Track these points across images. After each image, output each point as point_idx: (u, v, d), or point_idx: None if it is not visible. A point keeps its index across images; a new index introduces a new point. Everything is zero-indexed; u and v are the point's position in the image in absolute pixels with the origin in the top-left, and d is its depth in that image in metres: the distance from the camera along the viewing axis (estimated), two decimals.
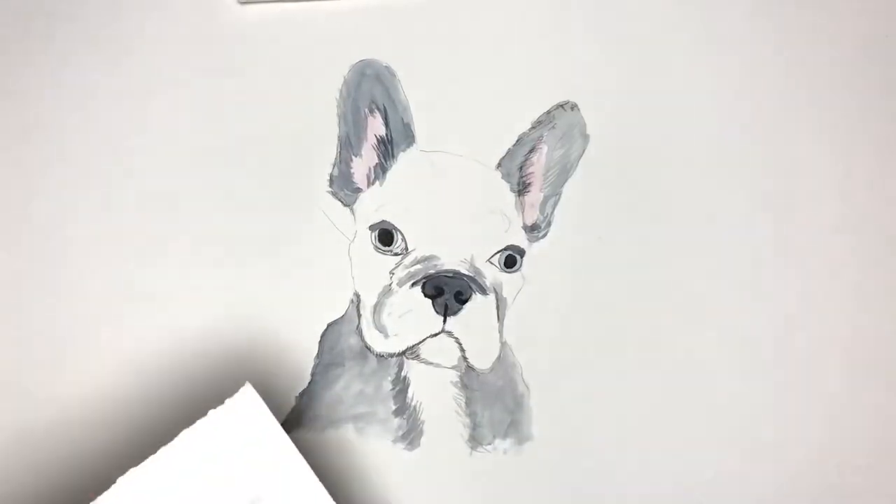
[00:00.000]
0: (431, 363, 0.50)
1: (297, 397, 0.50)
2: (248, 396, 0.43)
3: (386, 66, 0.51)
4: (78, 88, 0.52)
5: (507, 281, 0.51)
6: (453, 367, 0.50)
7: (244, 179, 0.52)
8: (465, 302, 0.49)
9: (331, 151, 0.51)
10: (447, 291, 0.49)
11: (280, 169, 0.52)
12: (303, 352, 0.51)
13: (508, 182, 0.51)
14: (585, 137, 0.52)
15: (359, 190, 0.51)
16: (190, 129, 0.52)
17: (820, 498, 0.50)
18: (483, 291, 0.49)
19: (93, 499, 0.41)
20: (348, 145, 0.51)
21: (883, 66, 0.53)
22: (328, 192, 0.51)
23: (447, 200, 0.50)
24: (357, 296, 0.51)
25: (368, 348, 0.50)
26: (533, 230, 0.52)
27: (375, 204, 0.51)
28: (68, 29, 0.53)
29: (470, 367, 0.50)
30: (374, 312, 0.50)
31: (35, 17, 0.53)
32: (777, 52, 0.53)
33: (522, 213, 0.51)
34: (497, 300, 0.50)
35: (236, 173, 0.52)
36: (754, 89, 0.52)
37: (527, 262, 0.51)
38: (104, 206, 0.51)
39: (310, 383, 0.51)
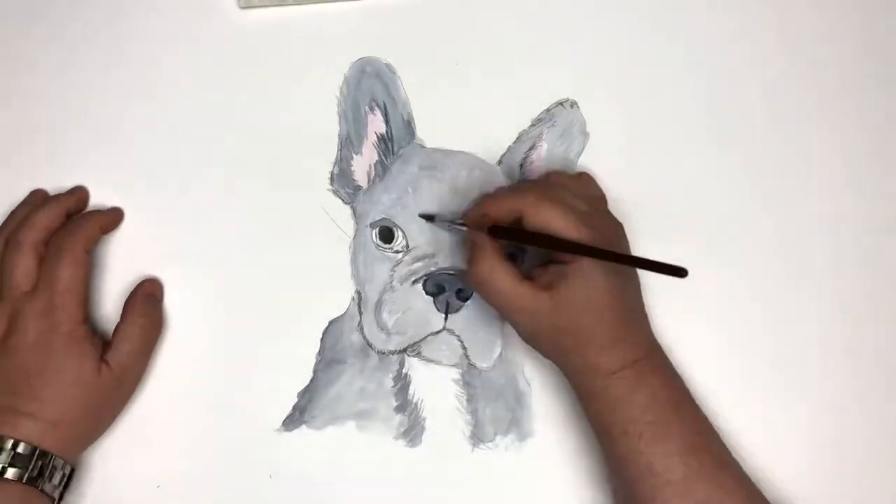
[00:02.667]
0: (433, 361, 0.50)
1: (298, 394, 0.51)
2: None
3: (386, 64, 0.51)
4: (78, 92, 0.52)
5: None
6: (455, 365, 0.50)
7: (246, 179, 0.52)
8: (466, 299, 0.49)
9: (331, 150, 0.52)
10: (448, 289, 0.49)
11: (281, 168, 0.52)
12: (304, 349, 0.51)
13: (510, 179, 0.51)
14: (585, 135, 0.51)
15: (359, 188, 0.51)
16: (191, 130, 0.52)
17: (823, 497, 0.49)
18: None
19: None
20: (349, 143, 0.51)
21: (884, 66, 0.52)
22: (329, 190, 0.52)
23: (448, 198, 0.50)
24: (358, 293, 0.51)
25: (370, 345, 0.50)
26: None
27: (376, 201, 0.51)
28: (68, 33, 0.53)
29: (471, 365, 0.50)
30: (375, 310, 0.50)
31: (35, 19, 0.53)
32: (779, 51, 0.52)
33: None
34: None
35: (238, 173, 0.52)
36: (755, 88, 0.52)
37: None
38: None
39: (311, 380, 0.51)
